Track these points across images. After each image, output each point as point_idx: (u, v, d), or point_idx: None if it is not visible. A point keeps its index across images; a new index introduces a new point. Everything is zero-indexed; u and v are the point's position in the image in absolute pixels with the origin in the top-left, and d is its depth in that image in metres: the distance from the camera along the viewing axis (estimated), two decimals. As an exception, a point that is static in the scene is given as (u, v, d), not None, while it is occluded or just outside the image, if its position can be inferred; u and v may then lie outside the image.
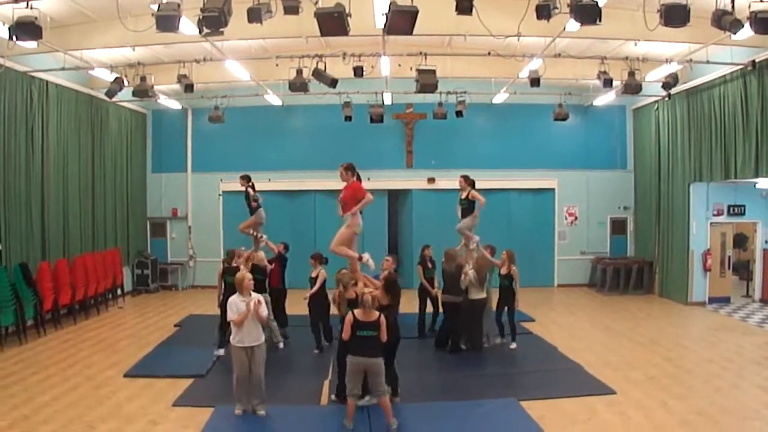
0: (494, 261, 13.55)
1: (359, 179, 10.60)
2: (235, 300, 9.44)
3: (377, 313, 8.91)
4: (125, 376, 11.63)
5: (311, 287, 13.17)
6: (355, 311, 8.91)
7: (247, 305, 9.27)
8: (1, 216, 14.22)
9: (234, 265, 12.77)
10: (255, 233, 14.31)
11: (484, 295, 13.25)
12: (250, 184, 14.48)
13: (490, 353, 13.23)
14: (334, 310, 11.15)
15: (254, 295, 9.57)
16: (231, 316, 9.35)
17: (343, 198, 10.41)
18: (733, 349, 13.41)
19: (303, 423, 9.39)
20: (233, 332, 9.43)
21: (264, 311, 9.54)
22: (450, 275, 13.43)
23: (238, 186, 14.81)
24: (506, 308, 13.49)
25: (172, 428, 9.09)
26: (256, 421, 9.33)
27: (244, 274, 9.79)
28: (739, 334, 14.83)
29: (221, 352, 12.65)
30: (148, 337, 14.96)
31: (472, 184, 13.73)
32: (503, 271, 13.40)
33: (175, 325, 16.20)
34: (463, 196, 13.64)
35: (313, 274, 13.22)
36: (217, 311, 12.87)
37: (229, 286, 12.51)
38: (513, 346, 13.42)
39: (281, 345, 13.47)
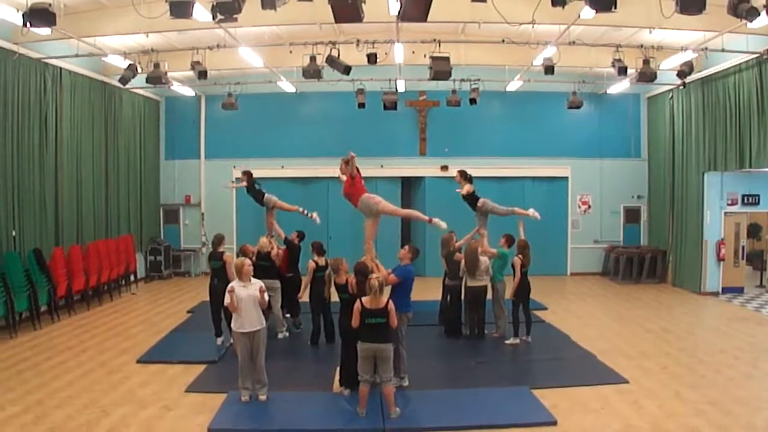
0: (489, 251, 13.43)
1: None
2: (234, 286, 9.46)
3: (385, 299, 8.92)
4: (138, 361, 11.71)
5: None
6: (363, 299, 8.93)
7: (231, 295, 9.32)
8: (15, 202, 14.28)
9: (220, 250, 12.82)
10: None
11: (480, 283, 13.19)
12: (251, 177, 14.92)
13: (502, 341, 13.18)
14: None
15: (254, 281, 9.62)
16: (227, 301, 9.37)
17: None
18: (747, 339, 13.35)
19: (314, 409, 9.42)
20: (234, 318, 9.46)
21: (266, 296, 9.58)
22: (446, 260, 13.63)
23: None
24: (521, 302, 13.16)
25: (185, 413, 9.13)
26: (268, 407, 9.37)
27: (243, 261, 9.77)
28: (753, 324, 14.77)
29: (220, 341, 12.74)
30: (161, 323, 15.02)
31: (470, 179, 13.71)
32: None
33: (188, 312, 16.26)
34: (463, 192, 13.60)
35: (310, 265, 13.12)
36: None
37: (214, 270, 12.65)
38: (508, 341, 13.14)
39: (280, 335, 13.38)
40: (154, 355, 12.09)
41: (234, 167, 21.96)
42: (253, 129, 22.33)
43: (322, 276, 12.74)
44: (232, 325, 9.57)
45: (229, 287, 9.45)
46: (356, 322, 8.93)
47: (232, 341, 11.43)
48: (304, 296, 13.25)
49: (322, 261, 12.96)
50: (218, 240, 13.02)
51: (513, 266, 12.99)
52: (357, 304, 8.92)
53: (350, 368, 9.62)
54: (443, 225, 10.60)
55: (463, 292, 13.50)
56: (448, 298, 13.92)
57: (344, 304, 10.16)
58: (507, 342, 13.01)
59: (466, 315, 13.62)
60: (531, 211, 13.51)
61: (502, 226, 14.06)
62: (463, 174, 13.76)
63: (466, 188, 13.49)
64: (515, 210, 13.65)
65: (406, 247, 10.83)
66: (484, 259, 13.18)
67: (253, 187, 14.80)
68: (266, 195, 14.71)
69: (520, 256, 12.83)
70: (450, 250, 13.55)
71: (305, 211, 14.48)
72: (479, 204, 13.47)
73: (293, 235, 14.34)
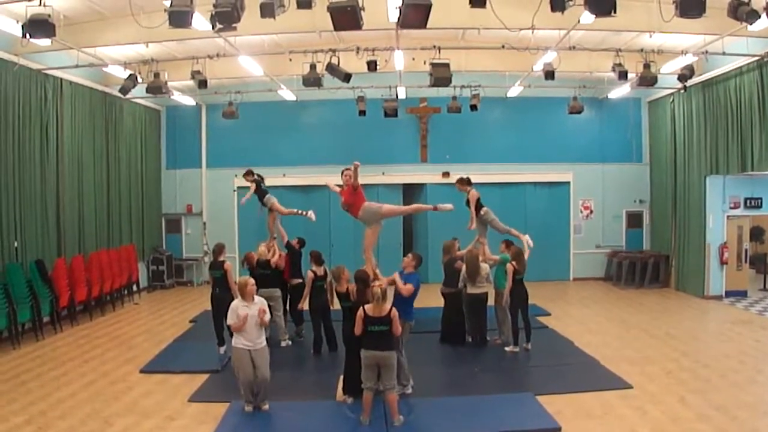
0: (491, 257, 13.40)
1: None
2: (236, 306, 9.40)
3: (388, 307, 8.91)
4: (141, 371, 11.70)
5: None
6: (366, 306, 8.92)
7: (245, 315, 9.23)
8: (17, 213, 14.27)
9: (221, 260, 12.81)
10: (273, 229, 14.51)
11: (480, 290, 13.14)
12: (255, 176, 14.76)
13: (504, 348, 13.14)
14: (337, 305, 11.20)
15: (257, 299, 9.58)
16: (231, 321, 9.32)
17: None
18: (751, 343, 13.31)
19: (318, 418, 9.40)
20: (235, 335, 9.40)
21: (267, 317, 9.51)
22: (445, 267, 13.54)
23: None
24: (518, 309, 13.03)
25: (188, 423, 9.13)
26: (271, 416, 9.35)
27: (247, 280, 9.71)
28: (757, 328, 14.72)
29: (222, 350, 12.66)
30: (163, 332, 15.01)
31: (468, 182, 13.72)
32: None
33: (191, 321, 16.24)
34: (471, 198, 13.54)
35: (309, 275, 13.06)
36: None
37: (215, 280, 12.65)
38: (508, 348, 13.07)
39: (282, 344, 13.34)
40: (157, 365, 12.08)
41: (235, 176, 22.00)
42: (254, 137, 22.30)
43: (321, 285, 12.71)
44: (233, 340, 9.48)
45: (239, 311, 9.31)
46: (359, 329, 8.91)
47: (221, 352, 11.44)
48: (304, 306, 13.18)
49: (320, 271, 12.93)
50: (219, 249, 13.02)
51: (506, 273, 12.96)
52: (360, 312, 8.92)
53: (353, 376, 9.60)
54: (449, 206, 10.95)
55: (465, 300, 13.47)
56: (444, 306, 13.85)
57: (346, 313, 10.15)
58: (507, 349, 12.97)
59: (468, 322, 13.58)
60: (526, 238, 13.39)
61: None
62: (466, 181, 13.73)
63: (473, 193, 13.45)
64: (511, 231, 13.55)
65: (410, 255, 10.84)
66: (484, 266, 13.16)
67: (258, 187, 14.73)
68: (268, 194, 14.68)
69: (513, 263, 12.76)
70: (451, 257, 13.52)
71: (300, 211, 14.47)
72: (482, 212, 13.41)
73: (294, 241, 14.33)
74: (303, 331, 13.98)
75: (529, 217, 22.01)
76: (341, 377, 10.35)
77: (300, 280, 13.79)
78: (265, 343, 9.54)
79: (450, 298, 13.57)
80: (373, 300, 8.83)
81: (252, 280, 9.83)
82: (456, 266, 13.38)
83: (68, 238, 16.37)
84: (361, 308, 8.97)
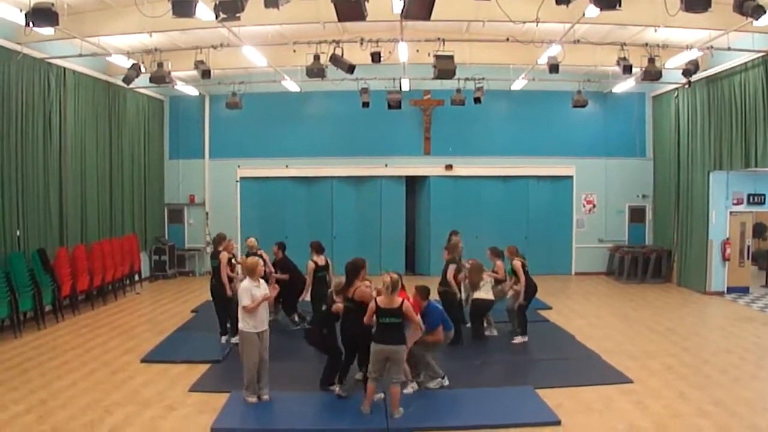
0: (492, 273, 13.45)
1: None
2: (248, 286, 9.30)
3: (399, 299, 8.91)
4: (142, 361, 11.71)
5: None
6: (378, 298, 8.93)
7: (264, 296, 9.27)
8: (19, 202, 14.28)
9: (220, 249, 12.77)
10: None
11: (487, 296, 13.07)
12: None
13: (505, 341, 13.14)
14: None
15: (262, 282, 9.59)
16: (246, 302, 9.22)
17: None
18: (752, 340, 13.30)
19: (318, 408, 9.41)
20: (247, 319, 9.29)
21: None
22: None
23: (255, 172, 14.66)
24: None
25: (188, 413, 9.12)
26: (272, 407, 9.35)
27: (257, 261, 9.71)
28: (758, 324, 14.70)
29: (224, 340, 12.71)
30: (165, 322, 15.02)
31: (500, 254, 13.80)
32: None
33: (192, 311, 16.27)
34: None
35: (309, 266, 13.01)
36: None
37: (214, 270, 12.63)
38: (516, 340, 13.08)
39: None
40: (158, 355, 12.09)
41: (238, 166, 22.04)
42: (258, 128, 22.31)
43: (323, 275, 12.72)
44: (243, 326, 9.32)
45: (253, 292, 9.26)
46: (368, 319, 8.98)
47: (234, 341, 11.41)
48: (306, 297, 13.19)
49: (321, 260, 12.94)
50: (219, 239, 13.02)
51: (515, 271, 12.99)
52: (372, 304, 8.95)
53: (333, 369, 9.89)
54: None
55: (471, 304, 13.44)
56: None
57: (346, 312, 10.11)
58: (514, 341, 12.97)
59: (471, 324, 13.57)
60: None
61: (504, 225, 13.98)
62: (498, 253, 13.84)
63: (499, 264, 13.58)
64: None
65: (414, 294, 10.47)
66: (486, 275, 13.18)
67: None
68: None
69: (520, 257, 12.78)
70: (455, 257, 13.42)
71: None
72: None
73: (274, 249, 14.13)
74: (304, 318, 13.86)
75: (532, 211, 22.05)
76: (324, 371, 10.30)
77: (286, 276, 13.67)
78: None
79: (443, 296, 13.47)
80: (383, 289, 8.83)
81: (261, 262, 9.90)
82: (459, 278, 13.30)
83: (70, 227, 16.39)
84: (372, 301, 9.00)
